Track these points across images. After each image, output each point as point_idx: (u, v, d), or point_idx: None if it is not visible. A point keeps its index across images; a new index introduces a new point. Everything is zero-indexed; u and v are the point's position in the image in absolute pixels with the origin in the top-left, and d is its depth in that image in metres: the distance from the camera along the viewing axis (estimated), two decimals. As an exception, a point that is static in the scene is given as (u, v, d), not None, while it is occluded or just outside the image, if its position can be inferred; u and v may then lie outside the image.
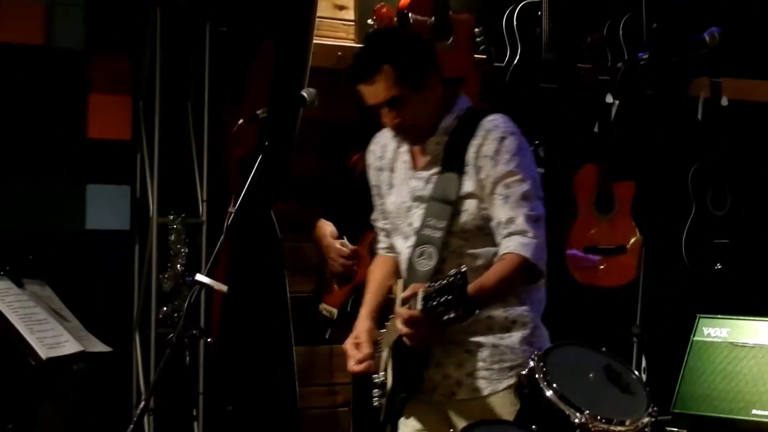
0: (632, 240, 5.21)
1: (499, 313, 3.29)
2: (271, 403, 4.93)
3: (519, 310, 3.31)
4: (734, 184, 5.59)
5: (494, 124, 3.29)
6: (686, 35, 5.32)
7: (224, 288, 3.62)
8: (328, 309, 4.46)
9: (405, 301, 3.14)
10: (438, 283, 2.99)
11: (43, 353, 3.93)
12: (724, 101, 5.52)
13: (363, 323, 3.41)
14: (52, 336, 4.04)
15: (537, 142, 4.98)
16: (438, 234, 3.25)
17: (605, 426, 2.89)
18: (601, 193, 5.24)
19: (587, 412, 2.87)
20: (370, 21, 4.93)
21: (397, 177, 3.45)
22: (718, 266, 5.50)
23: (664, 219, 5.46)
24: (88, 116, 4.79)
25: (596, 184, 5.27)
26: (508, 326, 3.29)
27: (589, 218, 5.27)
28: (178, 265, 4.68)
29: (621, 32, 5.46)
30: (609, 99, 5.31)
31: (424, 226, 3.30)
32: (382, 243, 3.60)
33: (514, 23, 5.20)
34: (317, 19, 4.91)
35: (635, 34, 5.45)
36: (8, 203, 4.64)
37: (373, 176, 3.55)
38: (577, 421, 2.87)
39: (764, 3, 6.02)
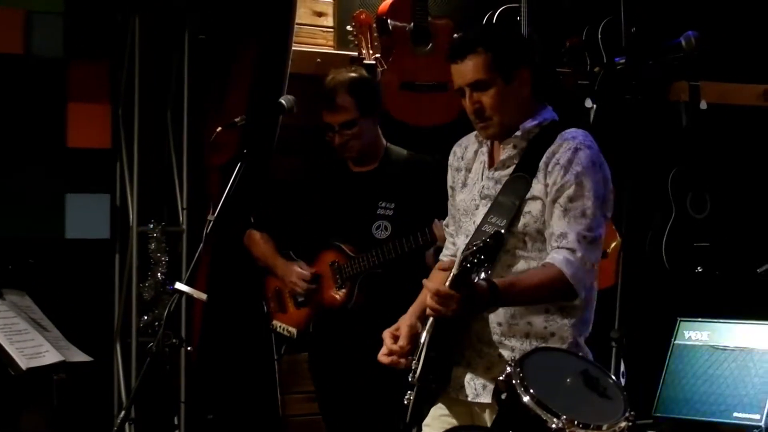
0: (612, 244, 5.20)
1: (539, 321, 3.28)
2: (252, 411, 4.92)
3: (560, 323, 3.29)
4: (714, 188, 5.60)
5: (573, 135, 3.30)
6: (665, 39, 5.33)
7: (204, 296, 3.62)
8: (287, 329, 4.39)
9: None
10: (476, 245, 3.00)
11: (24, 364, 3.92)
12: (703, 105, 5.53)
13: (407, 318, 3.38)
14: (33, 346, 4.03)
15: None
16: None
17: (582, 431, 2.89)
18: (580, 198, 5.22)
19: (564, 417, 2.86)
20: (349, 27, 4.94)
21: (471, 177, 3.45)
22: (699, 269, 5.51)
23: (644, 222, 5.47)
24: (68, 125, 4.78)
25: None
26: (545, 337, 3.28)
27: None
28: (159, 274, 4.67)
29: (600, 37, 5.46)
30: (588, 103, 5.32)
31: (485, 222, 3.29)
32: (449, 250, 3.57)
33: (493, 28, 5.19)
34: (296, 26, 4.92)
35: (614, 38, 5.45)
36: (-13, 213, 4.63)
37: (450, 177, 3.54)
38: (554, 426, 2.86)
39: (742, 6, 6.05)
